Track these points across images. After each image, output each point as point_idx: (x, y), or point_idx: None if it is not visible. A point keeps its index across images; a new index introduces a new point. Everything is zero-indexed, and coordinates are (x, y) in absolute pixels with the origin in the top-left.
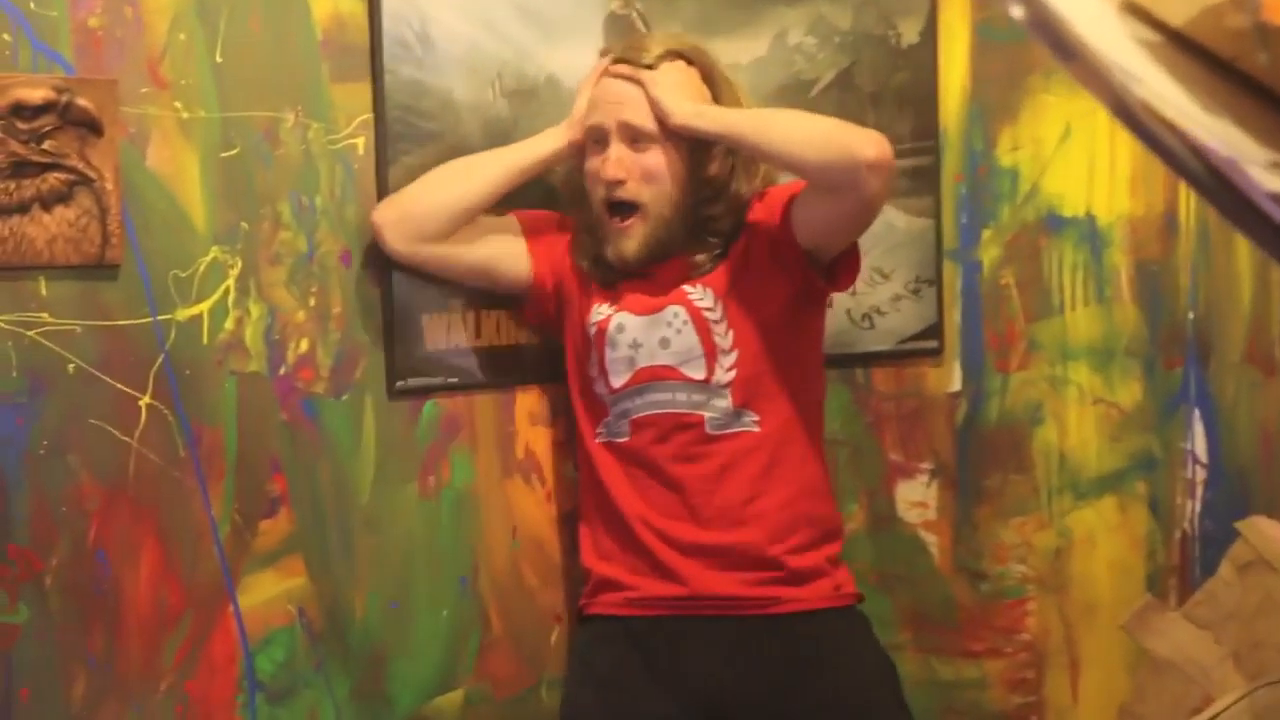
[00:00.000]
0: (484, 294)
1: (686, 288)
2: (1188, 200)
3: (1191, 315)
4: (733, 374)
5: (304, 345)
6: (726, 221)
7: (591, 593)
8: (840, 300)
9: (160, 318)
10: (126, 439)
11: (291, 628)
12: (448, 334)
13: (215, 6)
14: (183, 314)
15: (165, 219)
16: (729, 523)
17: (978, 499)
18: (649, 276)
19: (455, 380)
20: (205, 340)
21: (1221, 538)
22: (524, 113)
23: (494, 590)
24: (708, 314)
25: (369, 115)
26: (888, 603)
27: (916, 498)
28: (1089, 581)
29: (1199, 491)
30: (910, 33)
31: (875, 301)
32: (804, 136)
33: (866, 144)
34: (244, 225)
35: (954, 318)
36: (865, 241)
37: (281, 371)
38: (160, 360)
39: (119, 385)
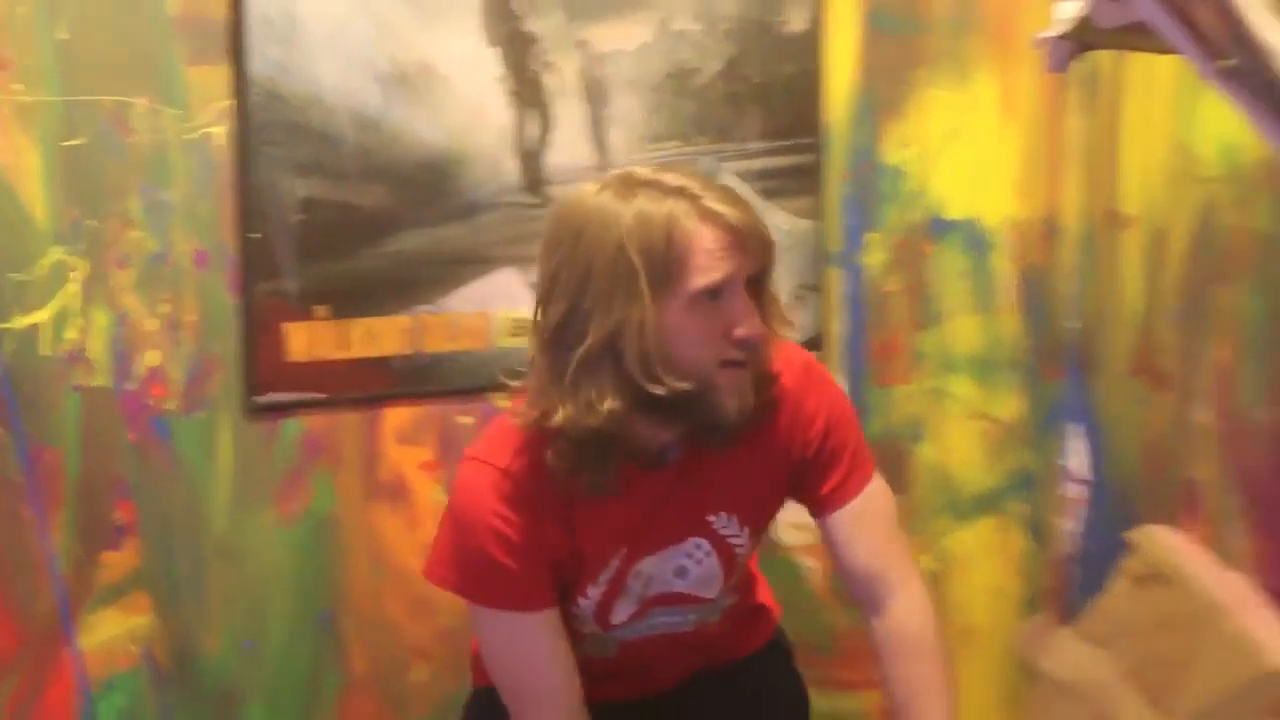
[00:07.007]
0: (352, 298)
1: (711, 518)
2: (1073, 203)
3: (1073, 325)
4: (736, 578)
5: (154, 357)
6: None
7: None
8: None
9: None
10: None
11: (136, 670)
12: (310, 344)
13: None
14: (20, 322)
15: (2, 215)
16: None
17: None
18: (653, 477)
19: (318, 396)
20: (45, 351)
21: (1105, 557)
22: (395, 98)
23: (355, 627)
24: (733, 541)
25: (229, 101)
26: None
27: (796, 519)
28: (966, 606)
29: (1078, 510)
30: (798, 20)
31: None
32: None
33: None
34: (90, 223)
35: (835, 327)
36: None
37: (129, 386)
38: None
39: None
